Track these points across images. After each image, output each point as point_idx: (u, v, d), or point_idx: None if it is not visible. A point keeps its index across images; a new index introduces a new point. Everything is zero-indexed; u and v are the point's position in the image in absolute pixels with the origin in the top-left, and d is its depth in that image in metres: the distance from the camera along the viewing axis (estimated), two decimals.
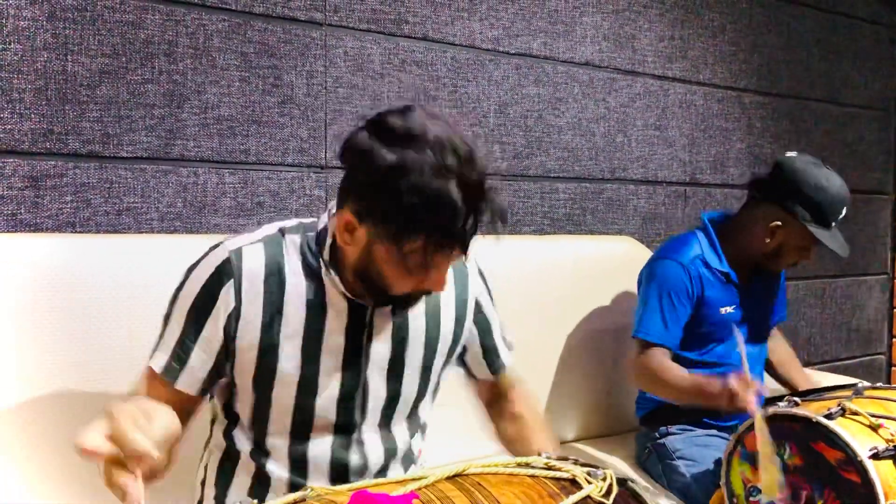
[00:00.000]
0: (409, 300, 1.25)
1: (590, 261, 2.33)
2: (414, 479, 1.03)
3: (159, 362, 1.24)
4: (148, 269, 1.60)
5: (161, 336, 1.27)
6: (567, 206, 2.45)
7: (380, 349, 1.30)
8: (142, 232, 1.76)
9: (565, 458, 1.16)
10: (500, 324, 1.50)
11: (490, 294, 1.48)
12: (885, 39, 3.38)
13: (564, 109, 2.42)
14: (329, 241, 1.25)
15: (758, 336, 2.14)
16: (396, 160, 1.09)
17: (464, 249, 1.16)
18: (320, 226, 1.28)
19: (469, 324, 1.43)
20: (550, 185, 2.41)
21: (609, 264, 2.35)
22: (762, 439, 1.55)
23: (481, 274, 1.47)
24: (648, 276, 2.06)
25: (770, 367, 2.30)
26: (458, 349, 1.44)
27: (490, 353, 1.48)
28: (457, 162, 1.10)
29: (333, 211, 1.25)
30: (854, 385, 1.88)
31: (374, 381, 1.30)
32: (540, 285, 2.21)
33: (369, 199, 1.14)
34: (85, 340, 1.54)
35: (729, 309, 2.04)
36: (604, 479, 1.09)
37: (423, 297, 1.28)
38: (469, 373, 1.50)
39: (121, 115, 1.72)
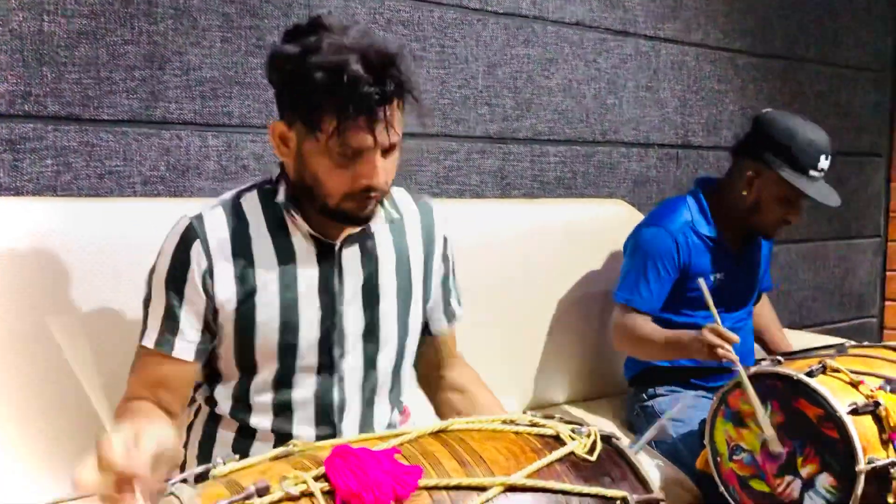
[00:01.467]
0: (354, 213, 1.25)
1: (581, 224, 2.33)
2: (396, 435, 1.04)
3: (151, 338, 1.27)
4: (131, 232, 1.59)
5: (146, 317, 1.30)
6: (558, 169, 2.45)
7: (352, 284, 1.33)
8: (124, 195, 1.76)
9: (550, 417, 1.17)
10: (454, 273, 1.51)
11: (451, 244, 1.49)
12: (881, 0, 3.36)
13: (554, 70, 2.41)
14: (284, 185, 1.29)
15: (744, 302, 2.14)
16: (297, 49, 1.17)
17: (373, 122, 1.17)
18: (274, 175, 1.33)
19: (439, 260, 1.45)
20: (541, 147, 2.41)
21: (600, 228, 2.35)
22: (749, 392, 1.59)
23: (445, 221, 1.48)
24: (635, 242, 2.07)
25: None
26: (434, 281, 1.45)
27: (449, 298, 1.49)
28: (356, 39, 1.17)
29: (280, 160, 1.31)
30: (840, 345, 1.90)
31: (349, 316, 1.33)
32: (530, 249, 2.21)
33: (285, 97, 1.23)
34: (67, 305, 1.54)
35: (718, 276, 2.04)
36: (588, 436, 1.10)
37: (371, 216, 1.28)
38: (425, 329, 1.48)
39: (101, 77, 1.70)
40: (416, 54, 2.13)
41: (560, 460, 1.03)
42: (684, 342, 1.81)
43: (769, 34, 2.96)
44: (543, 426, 1.11)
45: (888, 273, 3.48)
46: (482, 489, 0.95)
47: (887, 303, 3.50)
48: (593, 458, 1.06)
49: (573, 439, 1.08)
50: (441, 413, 1.49)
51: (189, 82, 1.81)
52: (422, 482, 0.93)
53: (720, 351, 1.67)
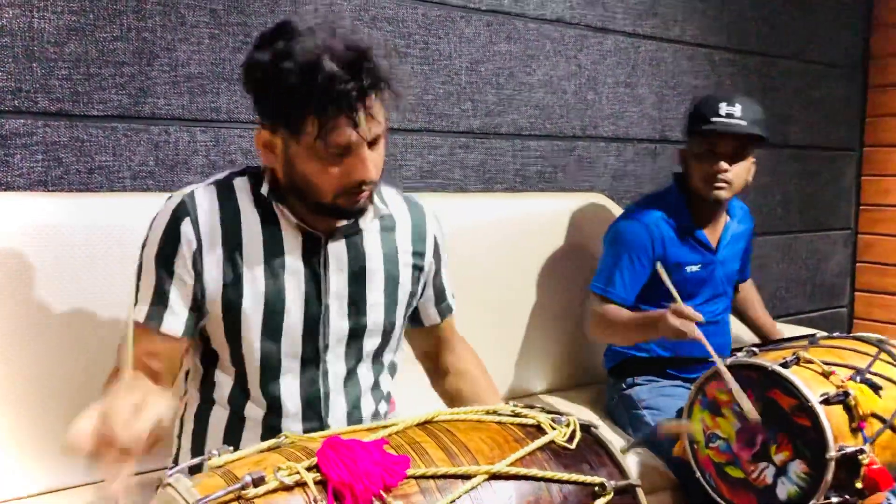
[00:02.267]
0: (347, 207, 1.27)
1: (561, 217, 2.37)
2: (385, 426, 1.08)
3: (141, 312, 1.28)
4: (121, 227, 1.61)
5: (137, 290, 1.30)
6: (539, 163, 2.48)
7: (338, 279, 1.34)
8: (114, 190, 1.77)
9: (532, 407, 1.21)
10: (447, 271, 1.54)
11: (444, 241, 1.52)
12: None
13: (536, 67, 2.44)
14: (267, 177, 1.31)
15: (722, 294, 2.19)
16: (269, 56, 1.17)
17: (354, 118, 1.18)
18: (262, 165, 1.34)
19: (430, 259, 1.47)
20: (522, 142, 2.44)
21: (580, 220, 2.39)
22: (727, 377, 1.62)
23: (437, 220, 1.51)
24: (612, 235, 2.12)
25: (735, 310, 2.39)
26: (423, 280, 1.47)
27: (440, 293, 1.53)
28: (326, 38, 1.16)
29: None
30: (812, 336, 1.96)
31: (334, 310, 1.35)
32: (512, 242, 2.25)
33: (263, 104, 1.23)
34: (59, 298, 1.56)
35: (695, 267, 2.09)
36: (567, 426, 1.14)
37: (363, 210, 1.31)
38: (417, 319, 1.53)
39: (90, 73, 1.72)
40: (401, 51, 2.15)
41: (541, 449, 1.08)
42: (652, 319, 1.83)
43: (745, 31, 3.00)
44: (525, 416, 1.15)
45: (858, 264, 3.54)
46: (467, 477, 0.99)
47: (857, 293, 3.55)
48: (573, 446, 1.11)
49: (553, 429, 1.12)
50: (443, 395, 1.55)
51: (177, 78, 1.82)
52: (409, 471, 0.97)
53: (683, 327, 1.70)
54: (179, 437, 1.42)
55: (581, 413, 2.17)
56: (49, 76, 1.68)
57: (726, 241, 2.16)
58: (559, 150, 2.53)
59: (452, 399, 1.53)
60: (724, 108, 2.00)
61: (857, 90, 3.47)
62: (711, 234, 2.14)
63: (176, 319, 1.29)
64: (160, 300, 1.28)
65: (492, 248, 2.20)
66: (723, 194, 2.04)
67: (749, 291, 2.44)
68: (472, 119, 2.32)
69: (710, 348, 1.64)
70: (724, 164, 2.00)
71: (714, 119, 1.99)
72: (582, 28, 2.53)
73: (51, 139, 1.69)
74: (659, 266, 1.76)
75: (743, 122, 2.00)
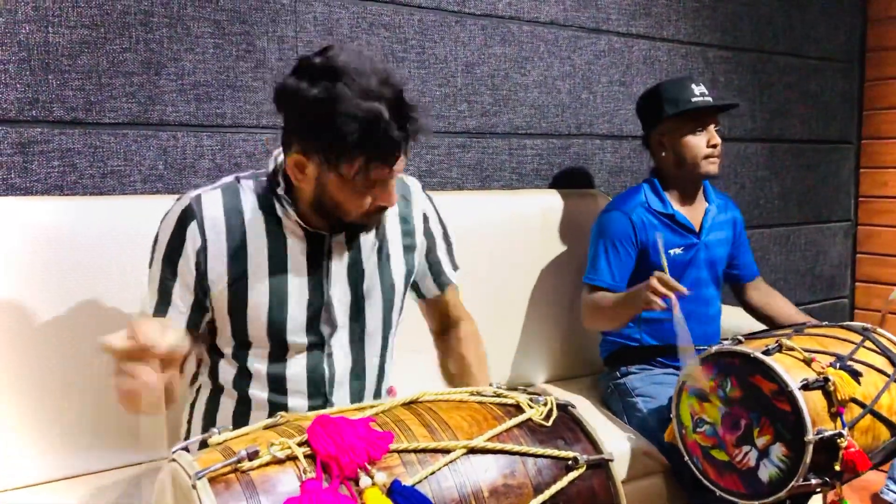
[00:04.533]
0: (365, 224, 1.39)
1: (557, 214, 2.42)
2: (372, 406, 1.16)
3: (149, 305, 1.39)
4: (133, 228, 1.69)
5: (149, 283, 1.41)
6: (535, 161, 2.54)
7: (339, 269, 1.43)
8: (126, 193, 1.85)
9: (514, 389, 1.29)
10: (446, 243, 1.62)
11: (436, 210, 1.60)
12: None
13: (530, 68, 2.50)
14: (282, 178, 1.39)
15: (707, 281, 2.23)
16: (323, 94, 1.23)
17: (395, 159, 1.29)
18: (270, 167, 1.42)
19: (420, 237, 1.56)
20: (518, 141, 2.50)
21: (576, 216, 2.44)
22: (683, 337, 1.70)
23: (425, 192, 1.60)
24: (597, 227, 2.19)
25: (757, 311, 2.38)
26: (417, 258, 1.56)
27: (435, 267, 1.61)
28: (376, 84, 1.24)
29: (278, 153, 1.39)
30: (801, 324, 2.01)
31: (336, 297, 1.44)
32: (509, 238, 2.31)
33: (308, 136, 1.28)
34: (74, 296, 1.65)
35: (678, 250, 2.14)
36: (545, 405, 1.21)
37: (377, 224, 1.42)
38: (418, 292, 1.63)
39: (102, 83, 1.81)
40: (398, 55, 2.22)
41: (518, 426, 1.15)
42: (635, 292, 1.90)
43: (738, 28, 3.04)
44: (506, 397, 1.23)
45: (858, 255, 3.56)
46: (447, 451, 1.07)
47: (858, 284, 3.58)
48: (549, 423, 1.18)
49: (531, 407, 1.20)
50: (444, 376, 1.65)
51: (184, 86, 1.91)
52: (393, 446, 1.05)
53: (655, 298, 1.77)
54: (189, 421, 1.51)
55: (575, 401, 2.23)
56: (64, 87, 1.77)
57: (709, 225, 2.21)
58: (555, 148, 2.58)
59: (449, 381, 1.63)
60: (695, 88, 2.11)
61: (854, 84, 3.49)
62: (693, 217, 2.20)
63: (178, 314, 1.38)
64: (164, 297, 1.38)
65: (490, 244, 2.26)
66: (716, 168, 2.15)
67: (764, 288, 2.42)
68: (468, 119, 2.39)
69: (682, 324, 1.70)
70: (718, 138, 2.14)
71: (694, 99, 2.10)
72: (575, 29, 2.58)
73: (66, 146, 1.78)
74: (658, 236, 1.83)
75: (710, 98, 2.12)
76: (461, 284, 1.68)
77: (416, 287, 1.62)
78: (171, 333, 1.13)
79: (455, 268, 1.65)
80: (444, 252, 1.62)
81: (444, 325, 1.68)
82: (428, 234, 1.58)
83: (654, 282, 1.79)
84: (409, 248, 1.53)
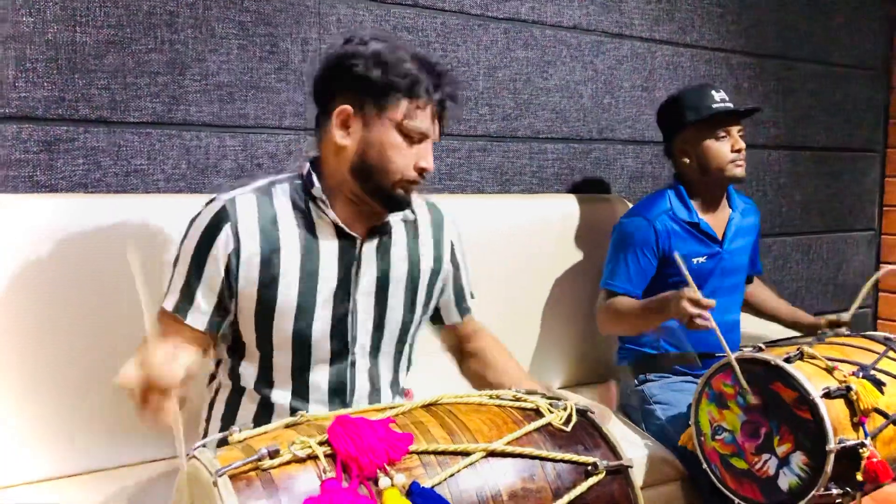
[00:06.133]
0: (403, 194, 1.42)
1: (577, 219, 2.41)
2: (392, 407, 1.16)
3: (171, 302, 1.39)
4: (155, 226, 1.70)
5: (171, 280, 1.42)
6: (556, 165, 2.54)
7: (367, 279, 1.45)
8: (149, 192, 1.87)
9: (533, 392, 1.29)
10: (467, 272, 1.66)
11: (461, 244, 1.63)
12: None
13: (552, 72, 2.50)
14: (315, 178, 1.43)
15: (730, 289, 2.21)
16: (372, 47, 1.38)
17: (435, 112, 1.42)
18: (304, 171, 1.45)
19: (447, 264, 1.59)
20: (539, 145, 2.49)
21: (596, 222, 2.42)
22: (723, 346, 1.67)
23: (455, 224, 1.63)
24: (618, 232, 2.17)
25: (753, 308, 2.41)
26: (439, 284, 1.58)
27: (459, 295, 1.64)
28: (414, 51, 1.41)
29: (308, 153, 1.45)
30: (821, 333, 1.99)
31: (362, 309, 1.45)
32: (528, 242, 2.30)
33: (359, 84, 1.38)
34: (97, 291, 1.66)
35: (701, 259, 2.12)
36: (564, 410, 1.21)
37: (410, 202, 1.46)
38: (438, 318, 1.64)
39: (127, 83, 1.82)
40: None
41: (538, 430, 1.15)
42: (662, 301, 1.88)
43: (763, 34, 3.02)
44: (525, 400, 1.23)
45: (882, 265, 3.52)
46: (466, 454, 1.07)
47: (881, 294, 3.54)
48: (568, 428, 1.18)
49: (551, 412, 1.19)
50: (469, 378, 1.65)
51: (208, 87, 1.92)
52: (412, 447, 1.05)
53: (698, 320, 1.75)
54: (208, 420, 1.51)
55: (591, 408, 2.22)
56: (90, 86, 1.79)
57: (732, 233, 2.19)
58: (576, 152, 2.58)
59: (477, 381, 1.62)
60: (715, 94, 2.11)
61: (880, 92, 3.46)
62: (716, 226, 2.18)
63: (200, 316, 1.39)
64: (188, 296, 1.39)
65: (509, 248, 2.25)
66: (742, 172, 2.14)
67: (760, 287, 2.45)
68: (489, 123, 2.39)
69: (719, 334, 1.68)
70: (742, 143, 2.12)
71: (715, 105, 2.09)
72: (598, 34, 2.58)
73: (91, 144, 1.80)
74: (676, 255, 1.81)
75: (731, 104, 2.12)
76: (477, 290, 1.70)
77: (436, 314, 1.64)
78: (181, 359, 1.16)
79: (472, 296, 1.68)
80: (465, 281, 1.66)
81: (463, 350, 1.69)
82: (454, 261, 1.62)
83: (686, 304, 1.77)
84: (435, 272, 1.56)
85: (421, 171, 1.41)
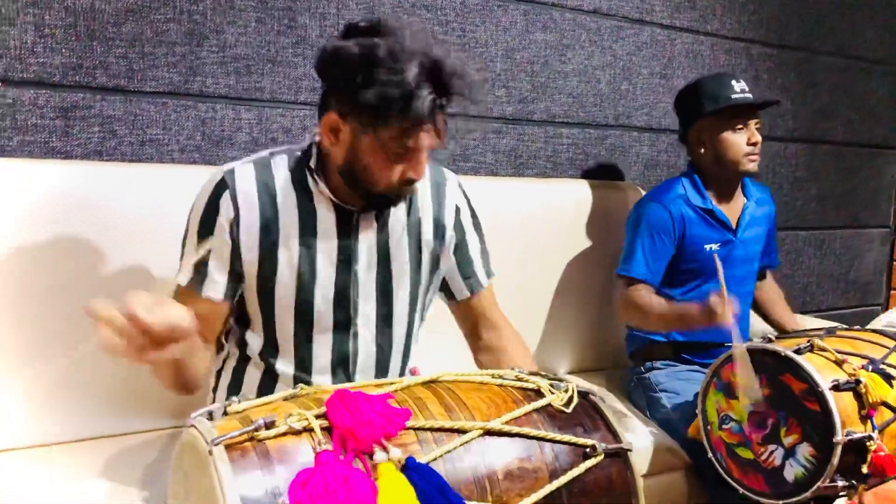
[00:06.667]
0: (393, 196, 1.38)
1: (590, 205, 2.41)
2: (391, 383, 1.17)
3: (184, 277, 1.39)
4: (168, 196, 1.71)
5: (182, 256, 1.43)
6: (570, 150, 2.53)
7: (366, 250, 1.44)
8: (163, 162, 1.88)
9: (536, 373, 1.28)
10: (480, 244, 1.60)
11: (472, 210, 1.59)
12: None
13: (571, 56, 2.48)
14: (315, 151, 1.40)
15: (743, 277, 2.20)
16: (361, 49, 1.24)
17: (431, 127, 1.29)
18: (306, 143, 1.44)
19: (451, 230, 1.54)
20: (555, 129, 2.48)
21: (610, 208, 2.42)
22: (741, 363, 1.65)
23: (461, 188, 1.59)
24: (633, 217, 2.16)
25: (758, 307, 2.40)
26: (446, 251, 1.54)
27: (466, 265, 1.58)
28: (416, 48, 1.24)
29: (318, 131, 1.39)
30: (832, 328, 1.98)
31: (363, 277, 1.44)
32: (540, 227, 2.30)
33: (346, 95, 1.28)
34: (110, 259, 1.68)
35: (714, 246, 2.12)
36: (566, 391, 1.21)
37: (404, 198, 1.41)
38: (450, 294, 1.61)
39: (144, 52, 1.83)
40: (438, 37, 2.22)
41: (537, 410, 1.15)
42: (692, 312, 1.86)
43: (785, 25, 2.98)
44: (527, 381, 1.23)
45: (895, 263, 3.50)
46: (463, 432, 1.07)
47: (893, 292, 3.50)
48: (569, 410, 1.17)
49: (552, 393, 1.19)
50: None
51: (225, 59, 1.92)
52: (409, 423, 1.05)
53: (720, 319, 1.74)
54: (215, 390, 1.53)
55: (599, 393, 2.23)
56: (107, 54, 1.79)
57: (746, 221, 2.18)
58: (591, 138, 2.56)
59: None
60: (735, 85, 2.09)
61: None
62: (730, 214, 2.17)
63: (215, 286, 1.40)
64: (200, 269, 1.39)
65: (521, 232, 2.25)
66: (755, 167, 2.12)
67: (771, 288, 2.43)
68: (505, 105, 2.38)
69: (735, 332, 1.66)
70: (758, 136, 2.10)
71: (734, 96, 2.06)
72: (619, 19, 2.56)
73: (107, 112, 1.81)
74: (716, 257, 1.78)
75: (751, 95, 2.09)
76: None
77: (445, 287, 1.60)
78: (168, 309, 1.10)
79: (489, 274, 1.62)
80: (478, 253, 1.60)
81: (477, 331, 1.63)
82: (458, 227, 1.56)
83: (713, 301, 1.76)
84: (438, 236, 1.53)
85: (409, 182, 1.35)
